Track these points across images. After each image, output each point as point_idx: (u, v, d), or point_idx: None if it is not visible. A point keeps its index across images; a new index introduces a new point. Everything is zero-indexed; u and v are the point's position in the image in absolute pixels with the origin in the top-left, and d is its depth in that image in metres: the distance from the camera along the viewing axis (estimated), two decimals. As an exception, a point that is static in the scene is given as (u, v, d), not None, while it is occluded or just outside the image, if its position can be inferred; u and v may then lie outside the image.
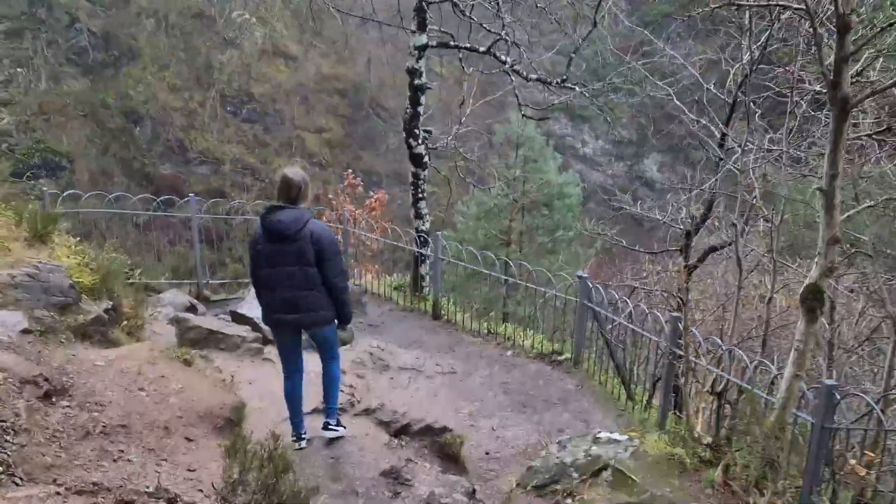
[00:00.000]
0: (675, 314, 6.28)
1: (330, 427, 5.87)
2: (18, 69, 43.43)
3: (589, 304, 8.07)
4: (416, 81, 10.79)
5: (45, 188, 10.66)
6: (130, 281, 9.88)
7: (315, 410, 6.23)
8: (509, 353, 9.03)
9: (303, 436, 5.82)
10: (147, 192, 43.27)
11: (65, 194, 10.61)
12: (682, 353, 5.96)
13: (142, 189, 42.55)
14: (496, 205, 16.06)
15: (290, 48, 47.55)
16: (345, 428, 5.96)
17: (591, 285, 8.15)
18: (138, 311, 7.52)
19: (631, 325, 7.29)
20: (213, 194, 42.00)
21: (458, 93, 12.92)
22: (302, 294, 5.35)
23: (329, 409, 5.90)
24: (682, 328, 6.23)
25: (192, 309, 9.25)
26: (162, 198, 10.95)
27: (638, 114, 47.98)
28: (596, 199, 34.34)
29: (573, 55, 10.53)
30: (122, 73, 44.93)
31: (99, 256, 7.45)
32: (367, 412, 6.49)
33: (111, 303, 6.83)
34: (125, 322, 7.20)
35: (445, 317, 10.27)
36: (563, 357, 8.65)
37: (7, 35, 43.82)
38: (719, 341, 5.84)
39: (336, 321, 5.68)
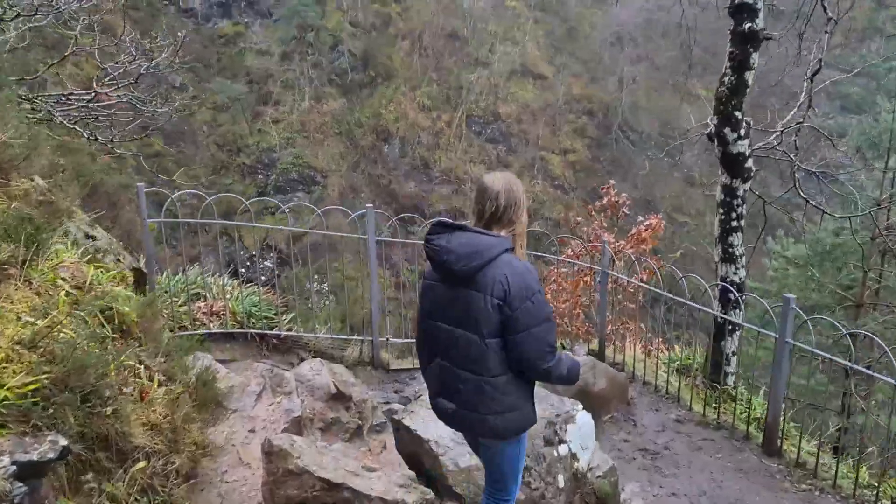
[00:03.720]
0: None
1: None
2: (287, 90, 44.22)
3: None
4: (747, 25, 5.94)
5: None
6: (269, 331, 6.07)
7: None
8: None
9: None
10: (390, 209, 41.81)
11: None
12: None
13: (386, 206, 41.09)
14: (840, 244, 10.05)
15: (541, 68, 43.86)
16: None
17: None
18: (181, 433, 3.45)
19: None
20: (454, 214, 39.44)
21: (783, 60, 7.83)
22: (465, 378, 2.84)
23: None
24: None
25: (337, 397, 5.13)
26: (360, 212, 6.57)
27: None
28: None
29: None
30: (376, 92, 44.09)
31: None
32: None
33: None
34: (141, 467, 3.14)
35: (791, 454, 5.24)
36: None
37: (281, 58, 44.87)
38: None
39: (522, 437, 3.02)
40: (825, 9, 6.42)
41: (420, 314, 3.03)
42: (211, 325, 6.27)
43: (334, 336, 6.75)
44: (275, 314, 6.61)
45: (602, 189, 9.62)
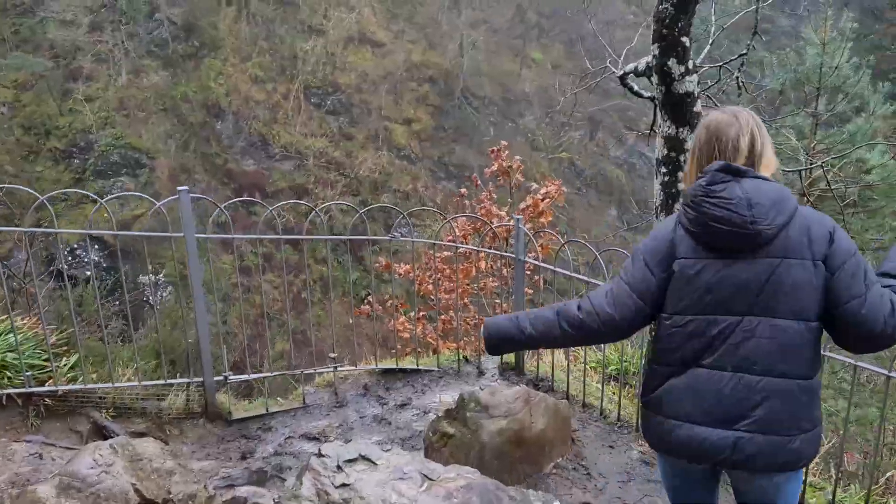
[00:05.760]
0: None
1: None
2: (100, 64, 39.25)
3: None
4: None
5: None
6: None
7: None
8: None
9: None
10: (228, 189, 38.32)
11: None
12: None
13: (223, 187, 37.55)
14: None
15: (378, 34, 41.62)
16: None
17: None
18: None
19: None
20: (297, 191, 36.57)
21: None
22: (766, 387, 2.01)
23: None
24: None
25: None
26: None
27: None
28: None
29: None
30: (203, 64, 40.04)
31: None
32: None
33: None
34: None
35: (810, 489, 3.77)
36: None
37: (90, 28, 39.73)
38: None
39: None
40: None
41: (669, 307, 2.17)
42: (-66, 390, 3.91)
43: (145, 382, 4.55)
44: (47, 360, 4.31)
45: (490, 153, 7.84)
